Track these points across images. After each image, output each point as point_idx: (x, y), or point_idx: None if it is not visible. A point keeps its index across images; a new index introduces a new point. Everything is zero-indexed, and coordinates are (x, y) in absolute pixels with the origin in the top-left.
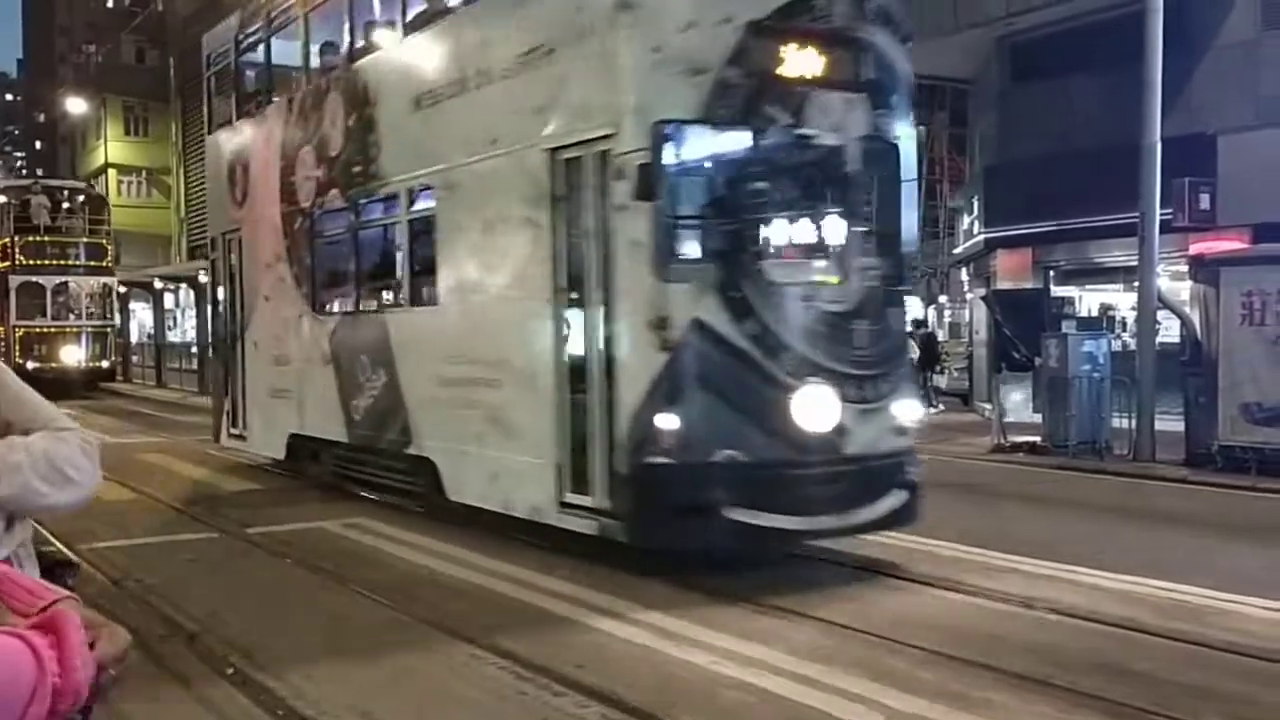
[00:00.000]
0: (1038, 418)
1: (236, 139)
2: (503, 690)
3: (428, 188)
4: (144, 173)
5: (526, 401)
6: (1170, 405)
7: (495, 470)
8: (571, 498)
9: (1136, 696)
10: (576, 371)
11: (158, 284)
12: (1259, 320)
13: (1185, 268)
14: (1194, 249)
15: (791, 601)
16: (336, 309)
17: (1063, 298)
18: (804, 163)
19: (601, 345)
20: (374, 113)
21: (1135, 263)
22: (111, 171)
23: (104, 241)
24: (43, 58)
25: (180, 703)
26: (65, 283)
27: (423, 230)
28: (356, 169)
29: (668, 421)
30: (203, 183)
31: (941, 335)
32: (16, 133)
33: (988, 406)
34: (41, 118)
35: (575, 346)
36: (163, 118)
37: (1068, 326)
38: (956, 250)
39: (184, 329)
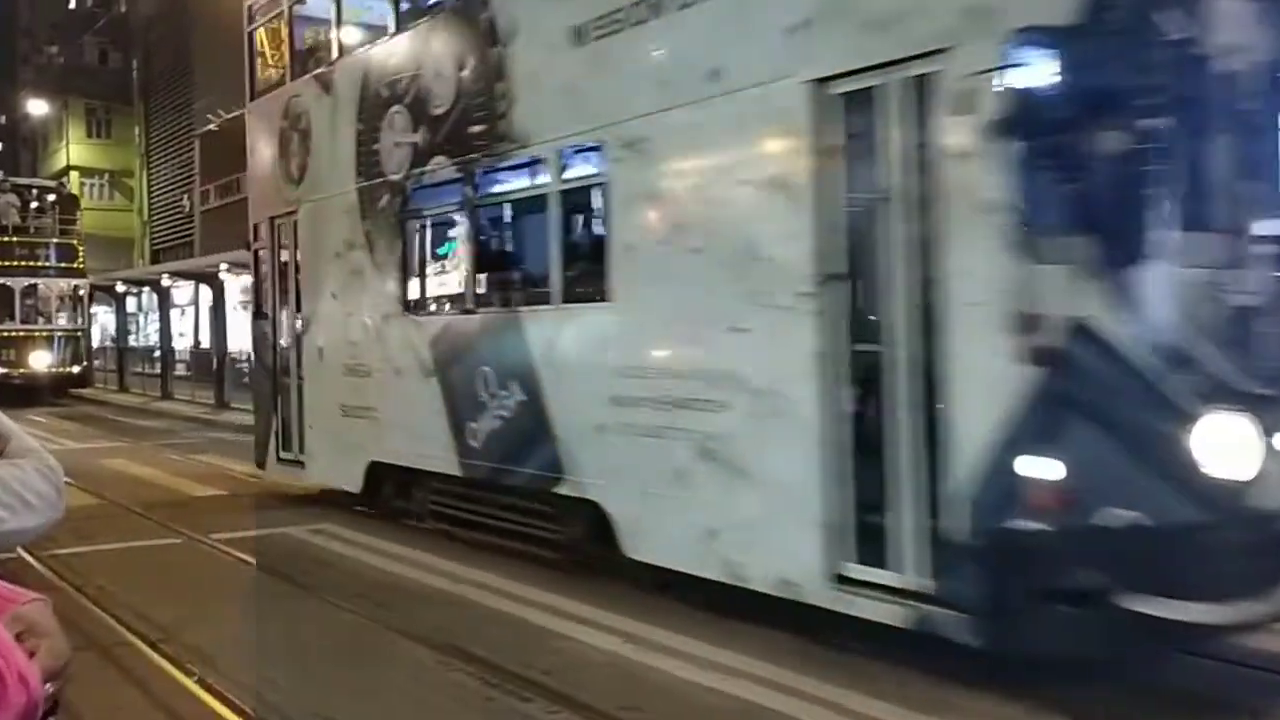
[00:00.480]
0: None
1: (291, 103)
2: (469, 696)
3: (594, 147)
4: (106, 175)
5: (771, 430)
6: None
7: (711, 523)
8: (857, 571)
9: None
10: (864, 391)
11: (120, 287)
12: None
13: None
14: None
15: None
16: (442, 308)
17: None
18: (1209, 93)
19: (910, 352)
20: (505, 54)
21: None
22: (74, 174)
23: (75, 243)
24: (3, 59)
25: (142, 709)
26: (35, 285)
27: (584, 203)
28: (476, 129)
29: (1041, 468)
30: (165, 186)
31: None
32: None
33: None
34: (2, 119)
35: (858, 355)
36: (126, 120)
37: None
38: None
39: (147, 333)
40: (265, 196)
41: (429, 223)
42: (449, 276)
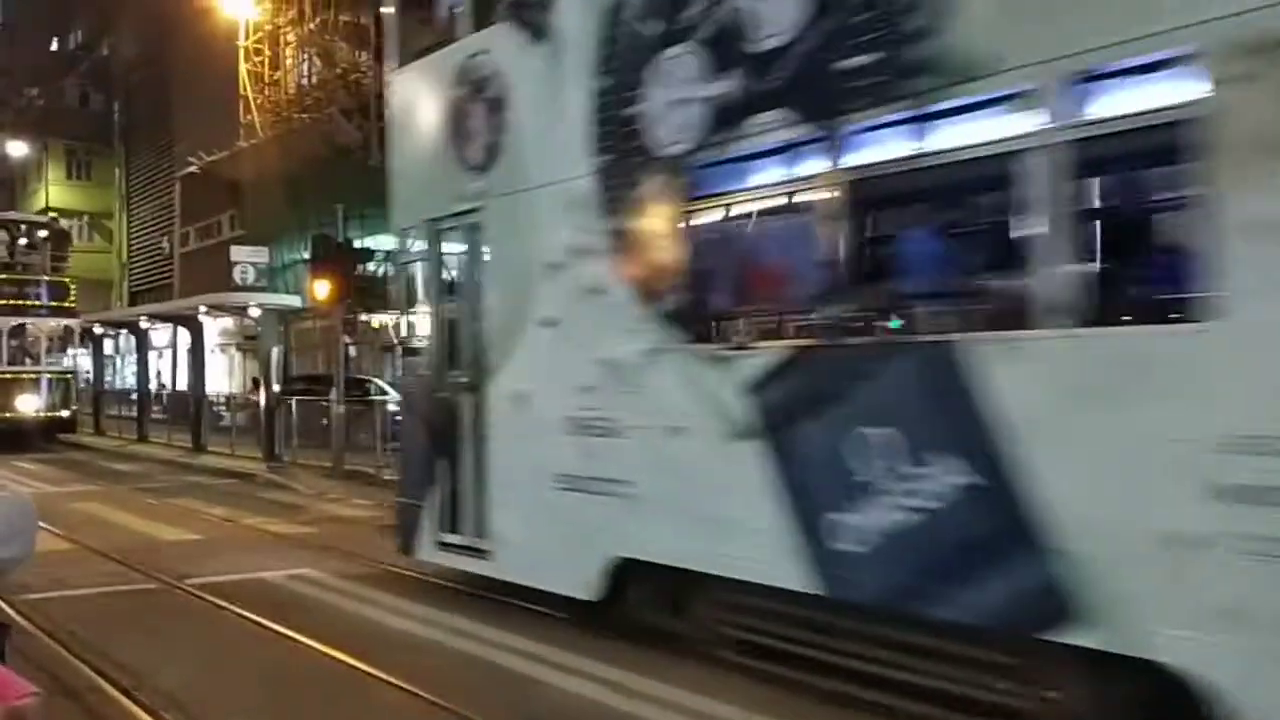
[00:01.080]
0: None
1: (471, 62)
2: None
3: (1160, 64)
4: (85, 217)
5: None
6: None
7: None
8: None
9: None
10: None
11: (98, 329)
12: None
13: None
14: None
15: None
16: (774, 336)
17: None
18: None
19: None
20: None
21: None
22: (51, 215)
23: (67, 281)
24: None
25: None
26: (23, 324)
27: (1118, 158)
28: (856, 63)
29: None
30: (144, 228)
31: None
32: None
33: None
34: None
35: None
36: (106, 162)
37: None
38: None
39: (124, 375)
40: (422, 192)
41: (740, 212)
42: (786, 288)
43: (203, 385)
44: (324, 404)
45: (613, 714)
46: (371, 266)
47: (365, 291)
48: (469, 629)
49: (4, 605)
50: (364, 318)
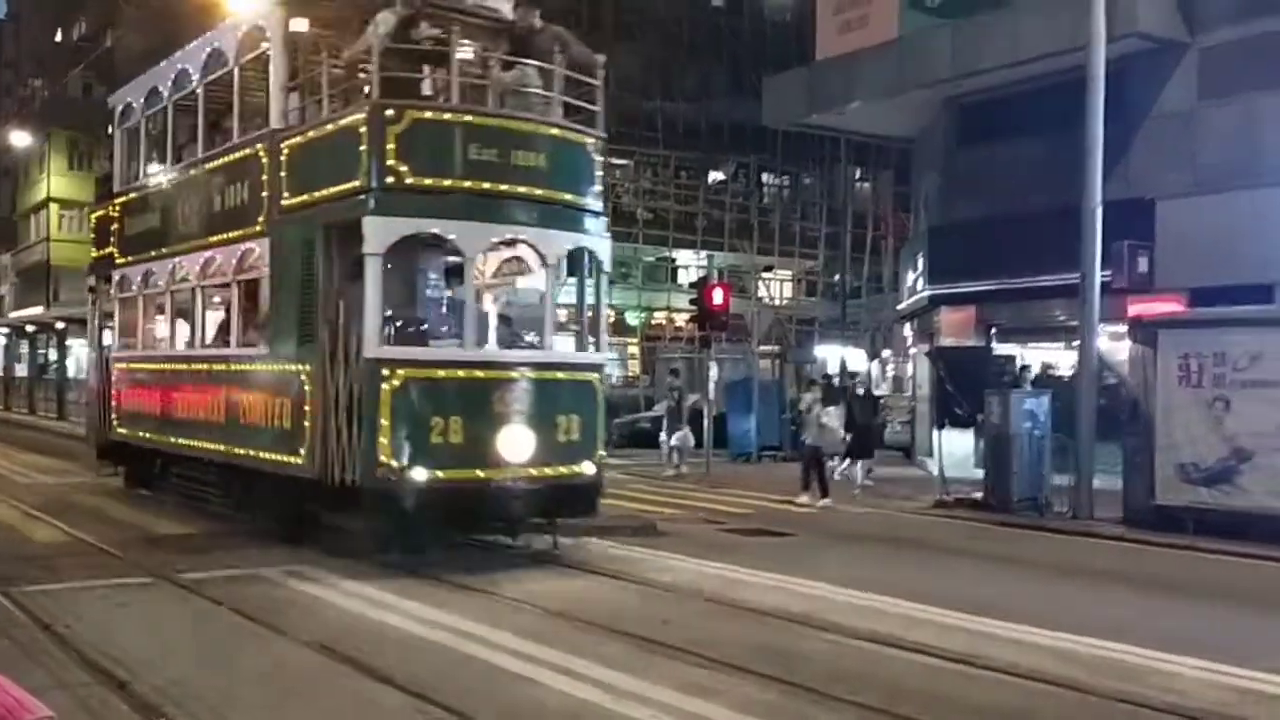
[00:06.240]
0: (979, 473)
1: None
2: None
3: None
4: (86, 207)
5: None
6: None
7: None
8: None
9: None
10: None
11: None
12: (1195, 382)
13: (1124, 329)
14: (1132, 311)
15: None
16: None
17: (1004, 355)
18: None
19: None
20: None
21: (1075, 323)
22: (53, 206)
23: (590, 147)
24: None
25: None
26: (507, 243)
27: None
28: None
29: None
30: None
31: (884, 389)
32: None
33: (930, 461)
34: None
35: None
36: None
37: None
38: (900, 306)
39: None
40: None
41: None
42: None
43: None
44: None
45: (603, 714)
46: None
47: None
48: (465, 628)
49: (2, 599)
50: None
